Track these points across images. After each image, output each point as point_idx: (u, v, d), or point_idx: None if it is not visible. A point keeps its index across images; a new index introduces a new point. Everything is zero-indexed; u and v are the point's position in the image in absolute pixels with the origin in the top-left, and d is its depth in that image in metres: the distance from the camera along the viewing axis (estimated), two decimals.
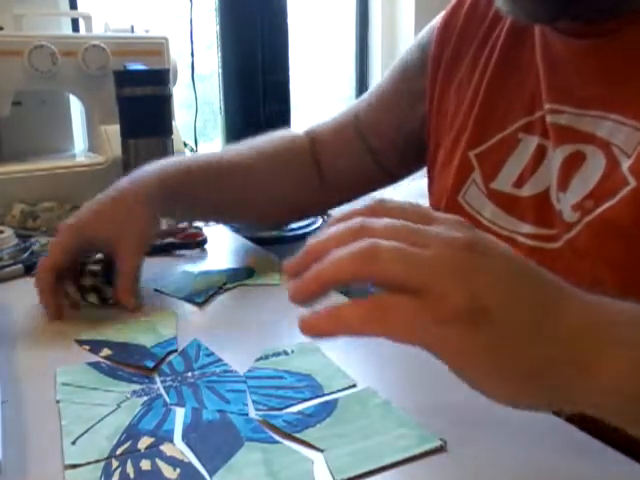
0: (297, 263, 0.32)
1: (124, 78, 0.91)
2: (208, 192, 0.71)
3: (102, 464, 0.39)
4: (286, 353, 0.52)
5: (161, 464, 0.39)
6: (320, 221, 1.40)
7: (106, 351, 0.53)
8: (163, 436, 0.41)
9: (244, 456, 0.39)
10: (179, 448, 0.40)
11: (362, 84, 1.94)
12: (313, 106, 1.89)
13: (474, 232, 0.32)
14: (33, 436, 0.42)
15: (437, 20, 0.67)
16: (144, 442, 0.41)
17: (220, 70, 1.42)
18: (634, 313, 0.32)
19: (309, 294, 0.31)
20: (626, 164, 0.46)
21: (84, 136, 1.19)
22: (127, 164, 0.92)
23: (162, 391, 0.47)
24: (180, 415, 0.44)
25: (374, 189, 0.78)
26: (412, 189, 0.79)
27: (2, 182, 0.93)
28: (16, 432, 0.42)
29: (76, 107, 1.15)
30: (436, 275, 0.29)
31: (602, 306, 0.32)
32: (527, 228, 0.53)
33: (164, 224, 0.83)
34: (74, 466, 0.38)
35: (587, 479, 0.37)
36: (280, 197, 0.76)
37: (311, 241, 0.32)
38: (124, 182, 0.66)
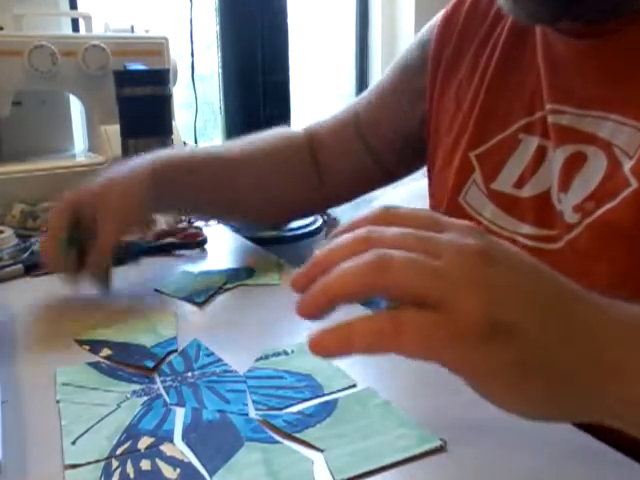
0: (304, 276, 0.31)
1: (124, 78, 0.91)
2: (202, 184, 0.71)
3: (102, 464, 0.39)
4: (286, 353, 0.52)
5: (161, 464, 0.39)
6: (320, 221, 1.40)
7: (106, 351, 0.53)
8: (163, 436, 0.41)
9: (244, 456, 0.39)
10: (179, 448, 0.40)
11: (362, 84, 1.94)
12: (313, 106, 1.89)
13: (486, 238, 0.30)
14: (33, 436, 0.42)
15: (437, 18, 0.67)
16: (144, 442, 0.41)
17: (220, 70, 1.42)
18: None
19: (317, 309, 0.29)
20: (628, 165, 0.46)
21: (84, 136, 1.19)
22: None
23: (162, 391, 0.47)
24: (180, 415, 0.44)
25: (373, 188, 0.78)
26: (412, 189, 0.79)
27: (2, 182, 0.93)
28: (16, 432, 0.42)
29: (76, 107, 1.15)
30: (451, 287, 0.27)
31: (624, 314, 0.31)
32: (527, 229, 0.53)
33: (164, 224, 0.83)
34: (74, 466, 0.38)
35: (587, 478, 0.37)
36: (278, 195, 0.76)
37: (317, 252, 0.31)
38: (124, 165, 0.67)
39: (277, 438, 0.41)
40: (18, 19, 1.09)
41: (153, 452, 0.40)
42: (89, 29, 1.14)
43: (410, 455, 0.39)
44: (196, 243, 0.81)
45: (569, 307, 0.30)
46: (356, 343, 0.28)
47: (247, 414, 0.44)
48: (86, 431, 0.42)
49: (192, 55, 1.45)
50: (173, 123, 0.99)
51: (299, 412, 0.44)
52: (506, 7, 0.51)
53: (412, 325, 0.27)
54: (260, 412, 0.44)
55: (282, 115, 1.41)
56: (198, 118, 1.45)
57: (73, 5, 1.35)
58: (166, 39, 1.09)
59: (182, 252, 0.80)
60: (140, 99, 0.89)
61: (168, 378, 0.49)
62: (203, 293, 0.66)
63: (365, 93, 0.75)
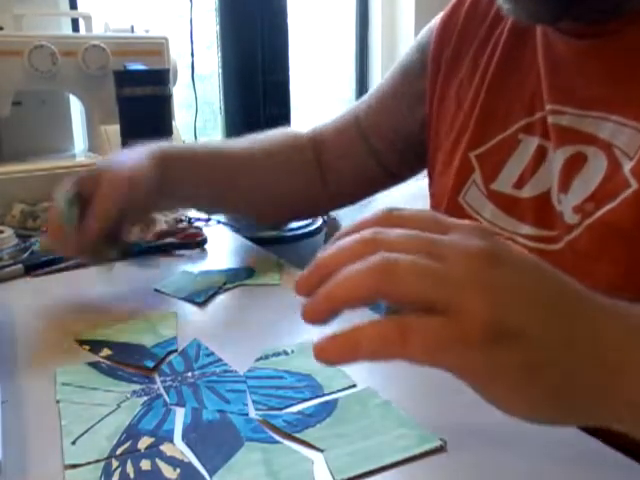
0: (307, 279, 0.30)
1: (124, 78, 0.91)
2: (205, 178, 0.70)
3: (102, 464, 0.39)
4: (286, 353, 0.52)
5: (161, 464, 0.39)
6: (320, 221, 1.40)
7: (106, 351, 0.53)
8: (163, 436, 0.41)
9: (244, 456, 0.39)
10: (179, 448, 0.40)
11: (362, 84, 1.94)
12: (313, 106, 1.89)
13: (492, 239, 0.30)
14: (33, 436, 0.42)
15: (436, 21, 0.67)
16: (144, 442, 0.41)
17: (220, 70, 1.42)
18: None
19: (323, 315, 0.29)
20: (628, 166, 0.46)
21: (84, 136, 1.19)
22: None
23: (162, 391, 0.47)
24: (180, 415, 0.44)
25: (377, 190, 0.78)
26: (412, 189, 0.79)
27: (2, 182, 0.93)
28: (16, 432, 0.42)
29: (76, 107, 1.15)
30: (457, 290, 0.27)
31: (626, 314, 0.31)
32: (527, 229, 0.53)
33: (164, 224, 0.83)
34: (74, 466, 0.38)
35: (586, 478, 0.37)
36: (279, 195, 0.76)
37: (321, 254, 0.30)
38: (126, 151, 0.66)
39: (277, 438, 0.41)
40: (18, 19, 1.09)
41: (153, 452, 0.40)
42: (89, 29, 1.14)
43: (410, 455, 0.39)
44: (196, 243, 0.81)
45: (572, 306, 0.30)
46: (361, 350, 0.28)
47: (247, 414, 0.44)
48: (86, 431, 0.42)
49: (192, 55, 1.45)
50: (173, 123, 0.99)
51: (299, 412, 0.44)
52: (506, 7, 0.51)
53: (418, 331, 0.27)
54: (260, 412, 0.44)
55: (282, 115, 1.41)
56: (198, 118, 1.45)
57: (73, 5, 1.35)
58: (166, 39, 1.09)
59: (182, 252, 0.80)
60: (140, 99, 0.89)
61: (168, 378, 0.49)
62: (203, 293, 0.66)
63: (366, 96, 0.76)
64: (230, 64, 1.40)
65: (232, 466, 0.38)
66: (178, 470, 0.38)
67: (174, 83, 1.12)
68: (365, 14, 1.88)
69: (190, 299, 0.64)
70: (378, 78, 1.90)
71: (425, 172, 0.71)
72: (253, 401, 0.46)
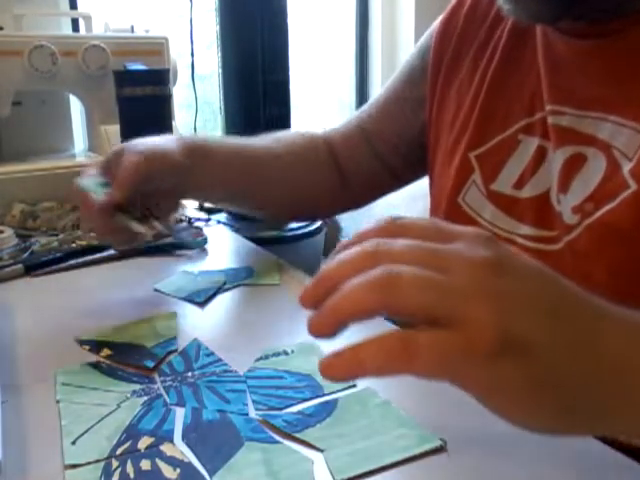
0: (311, 292, 0.30)
1: (124, 78, 0.91)
2: (233, 171, 0.70)
3: (102, 464, 0.39)
4: (286, 353, 0.52)
5: (161, 464, 0.39)
6: (320, 221, 1.40)
7: (106, 351, 0.53)
8: (163, 436, 0.41)
9: (244, 456, 0.39)
10: (179, 448, 0.40)
11: (362, 84, 1.94)
12: (313, 106, 1.89)
13: (495, 246, 0.29)
14: (33, 436, 0.42)
15: (436, 24, 0.67)
16: (144, 442, 0.41)
17: (220, 70, 1.42)
18: None
19: (329, 330, 0.28)
20: (627, 167, 0.46)
21: (84, 136, 1.19)
22: None
23: (162, 391, 0.47)
24: (180, 415, 0.44)
25: (383, 193, 0.78)
26: (412, 189, 0.80)
27: (2, 182, 0.93)
28: (16, 432, 0.42)
29: (76, 107, 1.15)
30: (462, 301, 0.27)
31: (628, 318, 0.31)
32: (526, 230, 0.53)
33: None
34: (74, 466, 0.38)
35: (587, 478, 0.37)
36: (301, 194, 0.76)
37: (324, 267, 0.30)
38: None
39: (277, 438, 0.41)
40: (18, 19, 1.09)
41: (153, 452, 0.40)
42: (89, 29, 1.14)
43: (410, 455, 0.39)
44: (196, 243, 0.81)
45: (573, 309, 0.30)
46: (367, 366, 0.27)
47: (247, 414, 0.44)
48: (86, 431, 0.42)
49: (192, 55, 1.45)
50: (173, 123, 0.99)
51: (299, 412, 0.44)
52: (506, 8, 0.51)
53: (423, 345, 0.26)
54: (260, 412, 0.44)
55: (282, 115, 1.41)
56: (198, 118, 1.45)
57: (73, 5, 1.35)
58: (166, 39, 1.09)
59: (182, 252, 0.80)
60: (140, 99, 0.89)
61: (168, 378, 0.49)
62: (203, 293, 0.66)
63: (371, 101, 0.76)
64: (230, 64, 1.40)
65: (232, 466, 0.38)
66: (178, 470, 0.38)
67: (174, 83, 1.12)
68: (365, 14, 1.88)
69: (190, 299, 0.64)
70: (378, 78, 1.90)
71: None
72: (253, 401, 0.46)
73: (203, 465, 0.38)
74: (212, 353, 0.53)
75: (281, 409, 0.44)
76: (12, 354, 0.54)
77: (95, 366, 0.51)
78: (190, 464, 0.39)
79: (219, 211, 1.10)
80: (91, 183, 0.60)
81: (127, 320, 0.59)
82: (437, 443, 0.40)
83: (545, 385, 0.28)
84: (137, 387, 0.48)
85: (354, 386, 0.47)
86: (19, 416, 0.44)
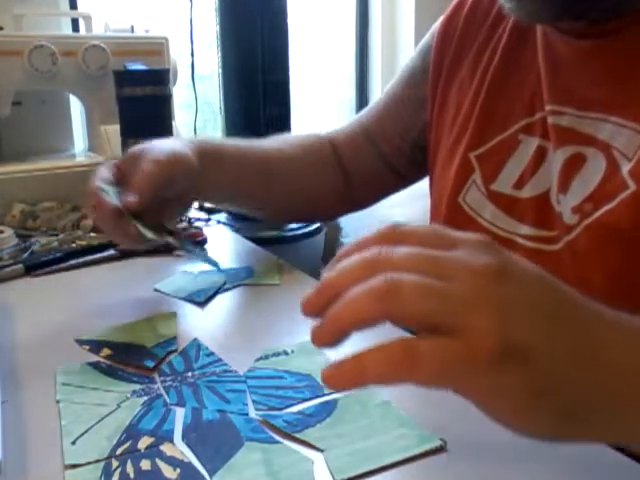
0: (313, 301, 0.30)
1: (124, 78, 0.91)
2: (243, 174, 0.70)
3: (102, 464, 0.39)
4: (286, 353, 0.52)
5: (161, 464, 0.39)
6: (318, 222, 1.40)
7: (106, 351, 0.53)
8: (163, 436, 0.41)
9: (244, 456, 0.39)
10: (179, 448, 0.40)
11: (362, 84, 1.94)
12: (313, 106, 1.89)
13: (496, 253, 0.29)
14: (33, 436, 0.42)
15: (437, 25, 0.67)
16: (144, 442, 0.41)
17: (220, 70, 1.42)
18: None
19: (332, 339, 0.29)
20: (626, 168, 0.46)
21: (84, 136, 1.19)
22: None
23: (162, 391, 0.47)
24: (180, 415, 0.44)
25: (389, 193, 0.79)
26: (412, 189, 0.80)
27: (2, 182, 0.93)
28: (16, 432, 0.42)
29: (76, 107, 1.15)
30: (463, 309, 0.27)
31: (627, 323, 0.31)
32: (526, 230, 0.53)
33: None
34: (74, 466, 0.38)
35: (587, 478, 0.37)
36: (309, 195, 0.77)
37: (326, 275, 0.30)
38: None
39: (277, 438, 0.41)
40: (18, 19, 1.09)
41: (153, 452, 0.40)
42: (89, 29, 1.14)
43: (410, 455, 0.39)
44: (196, 243, 0.81)
45: (573, 314, 0.30)
46: (369, 376, 0.27)
47: (247, 414, 0.44)
48: (86, 431, 0.42)
49: (192, 55, 1.45)
50: (173, 123, 0.99)
51: (299, 412, 0.44)
52: (507, 7, 0.51)
53: (425, 354, 0.26)
54: (260, 412, 0.44)
55: (282, 115, 1.41)
56: (198, 118, 1.45)
57: (73, 5, 1.35)
58: (166, 39, 1.09)
59: (182, 252, 0.80)
60: (140, 99, 0.89)
61: (168, 378, 0.49)
62: (203, 293, 0.66)
63: (374, 101, 0.77)
64: (230, 64, 1.40)
65: (232, 466, 0.38)
66: (178, 470, 0.38)
67: (174, 83, 1.12)
68: (365, 14, 1.88)
69: (190, 299, 0.64)
70: (378, 78, 1.90)
71: None
72: (253, 401, 0.46)
73: (203, 465, 0.38)
74: (212, 353, 0.53)
75: (281, 409, 0.44)
76: (12, 354, 0.54)
77: (95, 366, 0.51)
78: (190, 464, 0.39)
79: (219, 211, 1.10)
80: (105, 185, 0.59)
81: (127, 320, 0.59)
82: (437, 443, 0.40)
83: (544, 391, 0.28)
84: (137, 387, 0.48)
85: None
86: (19, 416, 0.44)
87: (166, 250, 0.79)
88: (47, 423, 0.43)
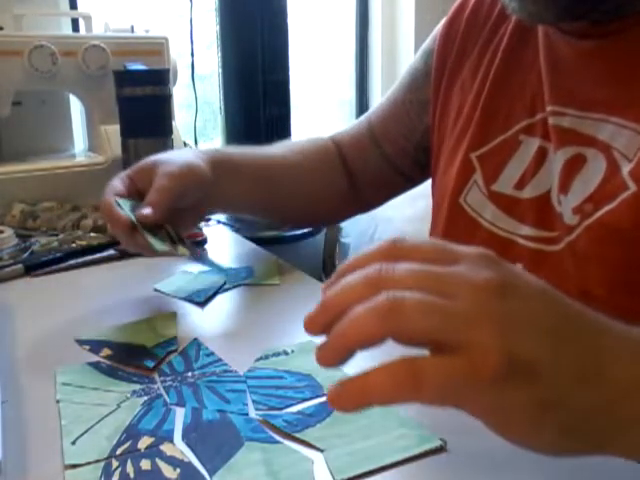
0: (316, 319, 0.30)
1: (124, 78, 0.91)
2: (251, 183, 0.70)
3: (102, 464, 0.39)
4: (286, 353, 0.52)
5: (161, 464, 0.39)
6: None
7: (106, 351, 0.53)
8: (163, 436, 0.41)
9: (244, 456, 0.39)
10: (179, 448, 0.40)
11: (362, 84, 1.94)
12: (313, 106, 1.89)
13: (500, 267, 0.29)
14: (33, 436, 0.42)
15: (438, 28, 0.67)
16: (144, 442, 0.41)
17: (220, 70, 1.42)
18: None
19: (337, 359, 0.29)
20: (626, 168, 0.46)
21: (84, 136, 1.19)
22: (127, 164, 0.92)
23: (162, 391, 0.47)
24: (180, 415, 0.44)
25: (394, 194, 0.79)
26: (413, 189, 0.80)
27: (2, 182, 0.93)
28: (16, 432, 0.42)
29: (76, 107, 1.15)
30: (467, 327, 0.26)
31: (631, 335, 0.30)
32: (527, 230, 0.53)
33: None
34: (74, 466, 0.38)
35: (587, 477, 0.37)
36: (315, 201, 0.77)
37: (327, 293, 0.30)
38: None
39: (277, 438, 0.41)
40: (18, 19, 1.09)
41: (153, 452, 0.40)
42: (89, 29, 1.13)
43: (410, 455, 0.39)
44: (196, 243, 0.81)
45: (577, 327, 0.29)
46: (374, 396, 0.27)
47: (247, 414, 0.44)
48: (86, 431, 0.42)
49: (192, 55, 1.45)
50: (173, 123, 0.99)
51: (299, 412, 0.44)
52: (511, 6, 0.51)
53: (429, 373, 0.26)
54: (260, 412, 0.44)
55: (282, 115, 1.41)
56: (198, 118, 1.45)
57: (73, 5, 1.35)
58: (166, 39, 1.09)
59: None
60: (140, 99, 0.89)
61: (168, 378, 0.49)
62: (203, 293, 0.66)
63: (379, 102, 0.77)
64: (230, 64, 1.40)
65: (232, 466, 0.38)
66: (178, 470, 0.38)
67: (174, 83, 1.12)
68: (365, 14, 1.88)
69: (190, 299, 0.64)
70: (378, 78, 1.90)
71: None
72: (253, 401, 0.46)
73: (203, 465, 0.38)
74: (212, 353, 0.53)
75: (281, 409, 0.44)
76: (12, 354, 0.54)
77: (95, 366, 0.51)
78: (190, 464, 0.39)
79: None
80: (120, 199, 0.59)
81: (127, 320, 0.59)
82: (437, 443, 0.40)
83: (548, 406, 0.27)
84: (137, 387, 0.48)
85: None
86: (19, 416, 0.44)
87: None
88: (47, 423, 0.43)
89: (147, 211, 0.57)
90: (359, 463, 0.38)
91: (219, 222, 0.95)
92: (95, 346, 0.54)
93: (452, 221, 0.60)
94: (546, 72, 0.54)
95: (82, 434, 0.41)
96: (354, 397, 0.28)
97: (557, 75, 0.53)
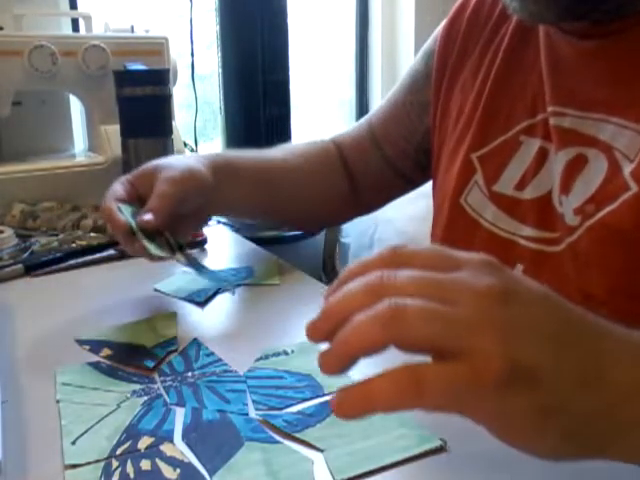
0: (319, 326, 0.30)
1: (124, 78, 0.91)
2: (251, 187, 0.70)
3: (102, 464, 0.39)
4: (286, 353, 0.52)
5: (161, 464, 0.39)
6: None
7: (106, 351, 0.53)
8: (163, 436, 0.41)
9: (244, 456, 0.39)
10: (179, 448, 0.40)
11: (362, 84, 1.94)
12: (313, 106, 1.89)
13: (501, 274, 0.29)
14: (33, 436, 0.42)
15: (439, 29, 0.67)
16: (144, 442, 0.41)
17: (220, 70, 1.42)
18: None
19: (340, 367, 0.29)
20: (628, 169, 0.46)
21: (84, 136, 1.19)
22: (127, 164, 0.92)
23: (162, 391, 0.47)
24: (180, 415, 0.44)
25: (395, 196, 0.79)
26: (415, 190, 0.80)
27: (2, 182, 0.93)
28: (16, 432, 0.42)
29: (76, 107, 1.15)
30: (468, 334, 0.27)
31: (630, 341, 0.30)
32: (528, 231, 0.53)
33: None
34: (74, 466, 0.38)
35: (587, 477, 0.37)
36: (316, 204, 0.77)
37: (329, 300, 0.30)
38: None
39: (277, 438, 0.41)
40: (18, 19, 1.09)
41: (153, 452, 0.40)
42: (89, 29, 1.13)
43: (410, 455, 0.39)
44: (196, 243, 0.81)
45: (579, 331, 0.29)
46: (378, 404, 0.27)
47: (247, 414, 0.44)
48: (86, 431, 0.42)
49: (192, 55, 1.45)
50: (173, 123, 0.99)
51: (299, 412, 0.44)
52: (512, 6, 0.51)
53: (432, 380, 0.26)
54: (260, 412, 0.44)
55: (282, 115, 1.41)
56: (198, 118, 1.45)
57: (73, 5, 1.35)
58: (166, 39, 1.09)
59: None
60: (140, 99, 0.89)
61: (168, 378, 0.49)
62: (203, 293, 0.66)
63: (380, 103, 0.77)
64: (230, 64, 1.40)
65: (232, 466, 0.38)
66: (178, 470, 0.38)
67: (174, 83, 1.12)
68: (365, 14, 1.88)
69: (190, 299, 0.64)
70: (378, 78, 1.90)
71: None
72: (253, 401, 0.46)
73: (203, 465, 0.38)
74: (212, 353, 0.53)
75: (281, 409, 0.44)
76: (12, 354, 0.54)
77: (95, 366, 0.51)
78: (190, 464, 0.39)
79: None
80: (121, 205, 0.59)
81: (127, 320, 0.59)
82: (437, 443, 0.40)
83: (550, 411, 0.27)
84: (137, 387, 0.48)
85: None
86: (19, 416, 0.44)
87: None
88: (47, 423, 0.43)
89: (148, 217, 0.57)
90: (359, 463, 0.38)
91: (219, 222, 0.95)
92: (95, 346, 0.54)
93: (453, 221, 0.60)
94: (547, 72, 0.54)
95: (82, 434, 0.41)
96: (357, 404, 0.28)
97: (558, 75, 0.53)
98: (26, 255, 0.76)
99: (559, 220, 0.51)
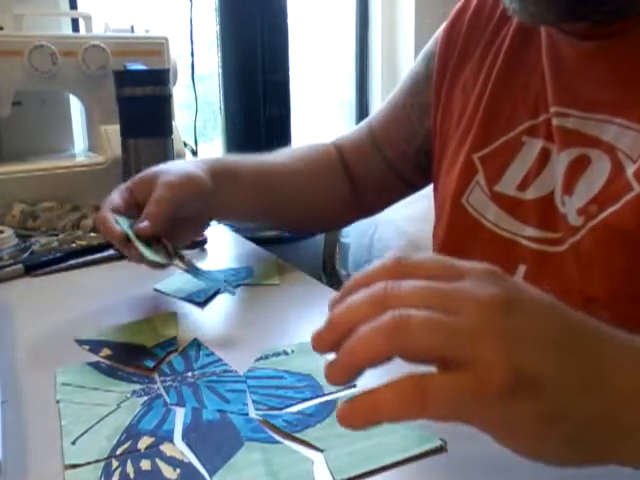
0: (324, 337, 0.30)
1: (124, 78, 0.91)
2: (250, 191, 0.70)
3: (102, 464, 0.39)
4: (286, 353, 0.52)
5: (161, 464, 0.39)
6: None
7: (106, 351, 0.53)
8: (163, 436, 0.41)
9: (244, 456, 0.39)
10: (179, 448, 0.40)
11: (362, 84, 1.94)
12: (313, 106, 1.89)
13: (504, 283, 0.29)
14: (33, 436, 0.42)
15: (440, 31, 0.67)
16: (144, 442, 0.41)
17: (220, 70, 1.42)
18: None
19: (346, 378, 0.29)
20: (631, 170, 0.46)
21: (84, 136, 1.19)
22: (127, 164, 0.92)
23: (162, 391, 0.47)
24: (180, 415, 0.44)
25: (395, 199, 0.79)
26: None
27: (2, 182, 0.93)
28: (16, 432, 0.42)
29: (76, 107, 1.15)
30: (472, 343, 0.27)
31: (632, 347, 0.30)
32: (530, 231, 0.53)
33: None
34: (74, 466, 0.38)
35: (587, 477, 0.37)
36: (316, 207, 0.77)
37: (334, 311, 0.30)
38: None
39: (277, 438, 0.41)
40: (18, 19, 1.09)
41: (153, 452, 0.40)
42: (89, 29, 1.13)
43: (410, 455, 0.39)
44: (196, 243, 0.81)
45: (580, 337, 0.29)
46: (383, 414, 0.28)
47: (247, 414, 0.44)
48: (86, 431, 0.42)
49: (192, 55, 1.45)
50: (173, 123, 0.99)
51: (299, 412, 0.44)
52: (512, 7, 0.51)
53: (435, 389, 0.27)
54: (260, 412, 0.44)
55: (282, 115, 1.41)
56: (198, 118, 1.45)
57: (73, 5, 1.35)
58: (166, 39, 1.09)
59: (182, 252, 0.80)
60: (140, 99, 0.89)
61: (168, 378, 0.49)
62: (203, 293, 0.66)
63: (381, 106, 0.77)
64: (230, 64, 1.40)
65: (232, 466, 0.38)
66: (178, 470, 0.38)
67: (174, 83, 1.12)
68: (365, 14, 1.88)
69: (190, 299, 0.64)
70: (378, 78, 1.90)
71: None
72: (253, 401, 0.46)
73: (203, 465, 0.38)
74: (212, 353, 0.53)
75: (281, 409, 0.44)
76: (12, 354, 0.54)
77: (95, 366, 0.51)
78: (190, 464, 0.39)
79: None
80: (118, 217, 0.59)
81: (127, 320, 0.59)
82: (437, 443, 0.40)
83: (553, 418, 0.28)
84: (137, 387, 0.48)
85: (354, 386, 0.47)
86: (19, 416, 0.44)
87: None
88: (47, 423, 0.43)
89: (144, 224, 0.57)
90: (359, 463, 0.38)
91: (219, 222, 0.95)
92: (95, 346, 0.54)
93: (454, 222, 0.60)
94: (549, 73, 0.54)
95: (82, 434, 0.41)
96: (362, 415, 0.28)
97: (560, 76, 0.53)
98: (26, 255, 0.76)
99: (562, 220, 0.51)
